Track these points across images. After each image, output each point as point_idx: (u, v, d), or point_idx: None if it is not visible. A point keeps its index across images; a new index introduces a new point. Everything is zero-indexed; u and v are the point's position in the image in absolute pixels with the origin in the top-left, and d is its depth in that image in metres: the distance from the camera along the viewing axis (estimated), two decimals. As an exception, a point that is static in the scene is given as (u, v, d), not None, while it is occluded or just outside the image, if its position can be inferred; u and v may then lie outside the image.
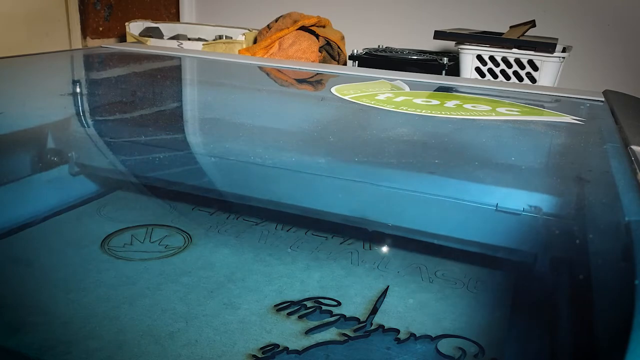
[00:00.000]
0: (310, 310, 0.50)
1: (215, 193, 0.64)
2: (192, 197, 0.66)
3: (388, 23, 1.83)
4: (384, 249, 0.59)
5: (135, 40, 1.53)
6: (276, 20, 1.56)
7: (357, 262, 0.60)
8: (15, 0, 1.50)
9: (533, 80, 1.29)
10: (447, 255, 0.56)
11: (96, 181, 0.71)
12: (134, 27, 1.59)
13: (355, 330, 0.48)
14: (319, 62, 1.52)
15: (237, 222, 0.67)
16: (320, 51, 1.54)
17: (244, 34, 1.58)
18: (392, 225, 0.58)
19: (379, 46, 1.59)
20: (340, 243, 0.62)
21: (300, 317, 0.49)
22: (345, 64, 1.58)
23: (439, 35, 1.34)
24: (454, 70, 1.39)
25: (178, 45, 1.49)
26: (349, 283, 0.56)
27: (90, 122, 0.70)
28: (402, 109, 0.77)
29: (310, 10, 1.59)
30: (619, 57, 1.62)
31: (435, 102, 0.83)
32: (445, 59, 1.39)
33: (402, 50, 1.55)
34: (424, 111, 0.76)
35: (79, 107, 0.76)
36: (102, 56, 1.19)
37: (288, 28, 1.50)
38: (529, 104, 0.88)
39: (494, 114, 0.77)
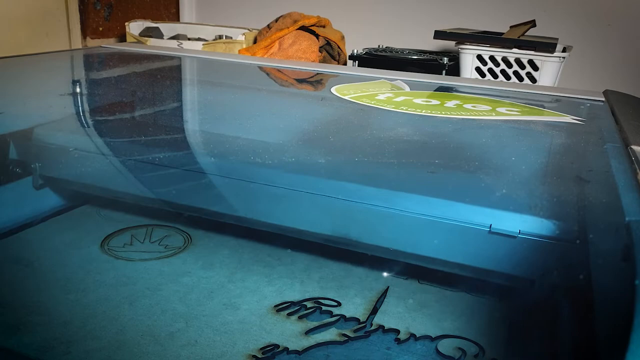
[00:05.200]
0: (310, 310, 0.50)
1: (215, 193, 0.63)
2: (192, 197, 0.66)
3: (388, 23, 1.83)
4: (384, 257, 0.59)
5: (135, 40, 1.53)
6: (276, 20, 1.56)
7: (357, 263, 0.60)
8: (15, 0, 1.50)
9: (533, 80, 1.29)
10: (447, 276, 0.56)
11: (95, 181, 0.71)
12: (134, 27, 1.59)
13: (355, 331, 0.48)
14: (319, 62, 1.52)
15: (237, 223, 0.67)
16: (320, 51, 1.54)
17: (244, 34, 1.58)
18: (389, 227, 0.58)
19: (379, 46, 1.59)
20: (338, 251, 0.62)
21: (300, 318, 0.49)
22: (345, 63, 1.58)
23: (439, 35, 1.33)
24: (454, 70, 1.39)
25: (178, 45, 1.49)
26: (349, 283, 0.56)
27: (90, 122, 0.70)
28: (402, 109, 0.77)
29: (310, 10, 1.59)
30: (619, 57, 1.62)
31: (435, 102, 0.83)
32: (445, 58, 1.39)
33: (402, 50, 1.55)
34: (424, 111, 0.76)
35: (78, 107, 0.76)
36: (102, 56, 1.19)
37: (288, 28, 1.50)
38: (529, 104, 0.88)
39: (494, 114, 0.77)
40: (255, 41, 1.60)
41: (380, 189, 0.52)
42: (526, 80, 1.30)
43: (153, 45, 1.47)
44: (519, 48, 1.27)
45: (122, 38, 1.79)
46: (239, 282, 0.55)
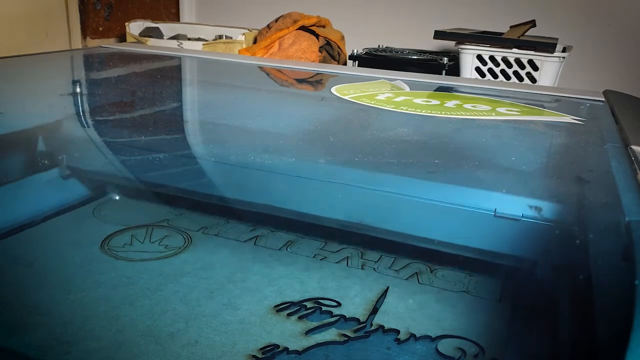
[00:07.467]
0: (310, 310, 0.50)
1: (215, 194, 0.64)
2: (191, 198, 0.66)
3: (388, 23, 1.83)
4: (383, 252, 0.59)
5: (135, 40, 1.53)
6: (276, 20, 1.56)
7: (357, 263, 0.60)
8: (15, 0, 1.50)
9: (533, 80, 1.29)
10: (446, 260, 0.56)
11: (95, 182, 0.71)
12: (134, 27, 1.59)
13: (355, 331, 0.48)
14: (319, 62, 1.52)
15: (237, 223, 0.67)
16: (320, 51, 1.54)
17: (244, 34, 1.58)
18: (390, 228, 0.58)
19: (379, 46, 1.59)
20: (338, 251, 0.62)
21: (300, 318, 0.49)
22: (345, 63, 1.58)
23: (439, 35, 1.34)
24: (454, 70, 1.39)
25: (178, 45, 1.49)
26: (349, 284, 0.56)
27: (90, 122, 0.70)
28: (402, 109, 0.77)
29: (310, 10, 1.59)
30: (619, 57, 1.62)
31: (435, 102, 0.83)
32: (445, 59, 1.39)
33: (402, 50, 1.55)
34: (424, 111, 0.76)
35: (78, 107, 0.76)
36: (102, 56, 1.19)
37: (288, 28, 1.50)
38: (529, 104, 0.88)
39: (494, 114, 0.77)
40: (255, 41, 1.60)
41: (382, 183, 0.52)
42: (526, 80, 1.30)
43: (153, 45, 1.47)
44: (519, 48, 1.27)
45: (122, 38, 1.79)
46: (239, 282, 0.55)
